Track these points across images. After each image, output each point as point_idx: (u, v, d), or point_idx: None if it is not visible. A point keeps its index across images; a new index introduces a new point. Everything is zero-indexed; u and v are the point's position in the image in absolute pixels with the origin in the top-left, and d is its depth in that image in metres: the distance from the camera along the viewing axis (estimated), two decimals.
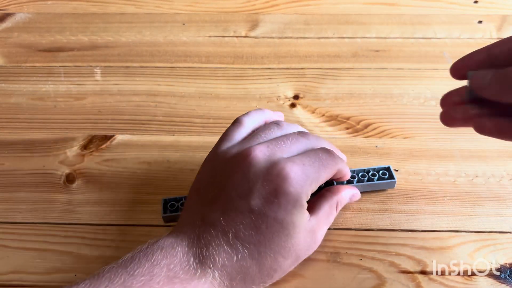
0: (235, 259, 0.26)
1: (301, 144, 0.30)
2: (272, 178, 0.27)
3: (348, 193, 0.32)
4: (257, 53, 0.46)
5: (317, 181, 0.28)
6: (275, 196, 0.26)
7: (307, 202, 0.28)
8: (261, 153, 0.28)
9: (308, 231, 0.28)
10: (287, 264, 0.28)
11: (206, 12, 0.50)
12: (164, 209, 0.33)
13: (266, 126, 0.32)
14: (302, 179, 0.27)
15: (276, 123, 0.32)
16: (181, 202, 0.33)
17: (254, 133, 0.31)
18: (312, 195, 0.29)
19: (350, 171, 0.33)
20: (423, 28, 0.48)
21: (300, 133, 0.31)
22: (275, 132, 0.31)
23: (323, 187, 0.32)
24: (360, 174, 0.34)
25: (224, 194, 0.28)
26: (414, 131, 0.39)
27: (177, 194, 0.34)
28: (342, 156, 0.33)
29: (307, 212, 0.28)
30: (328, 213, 0.30)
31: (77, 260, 0.32)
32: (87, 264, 0.32)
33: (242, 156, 0.28)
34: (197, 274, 0.25)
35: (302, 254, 0.28)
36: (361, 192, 0.33)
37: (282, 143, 0.29)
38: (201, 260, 0.26)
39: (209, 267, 0.26)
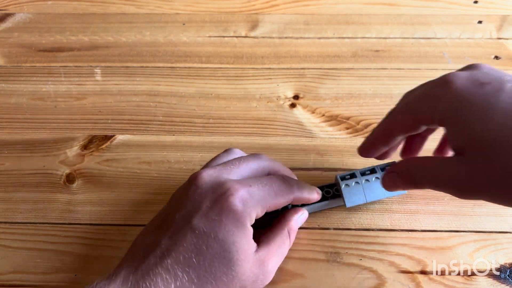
0: (172, 285, 0.25)
1: (252, 165, 0.30)
2: (216, 198, 0.26)
3: (297, 219, 0.31)
4: (257, 53, 0.46)
5: (264, 205, 0.28)
6: (217, 214, 0.26)
7: (257, 231, 0.28)
8: (207, 175, 0.28)
9: (255, 260, 0.27)
10: None
11: (206, 12, 0.50)
12: None
13: (225, 151, 0.32)
14: (247, 199, 0.27)
15: (235, 152, 0.32)
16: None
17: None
18: (263, 225, 0.29)
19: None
20: (423, 28, 0.48)
21: (253, 155, 0.31)
22: (230, 157, 0.31)
23: (279, 212, 0.31)
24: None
25: (168, 219, 0.27)
26: None
27: None
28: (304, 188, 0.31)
29: (252, 240, 0.27)
30: (279, 243, 0.29)
31: (77, 260, 0.32)
32: (87, 264, 0.32)
33: (189, 180, 0.28)
34: None
35: (249, 286, 0.27)
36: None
37: (231, 165, 0.29)
38: None
39: None
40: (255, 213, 0.27)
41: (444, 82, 0.25)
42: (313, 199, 0.31)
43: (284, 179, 0.29)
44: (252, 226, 0.28)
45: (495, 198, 0.24)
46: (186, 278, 0.25)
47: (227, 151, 0.32)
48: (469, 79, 0.24)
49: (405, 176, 0.28)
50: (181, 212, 0.27)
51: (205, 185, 0.28)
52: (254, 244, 0.27)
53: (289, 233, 0.30)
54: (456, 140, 0.24)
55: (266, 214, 0.29)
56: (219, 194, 0.27)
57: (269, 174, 0.31)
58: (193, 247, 0.25)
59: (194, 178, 0.28)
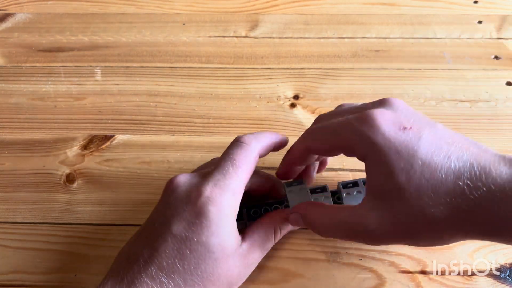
0: None
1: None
2: (192, 200, 0.26)
3: (290, 219, 0.30)
4: (257, 53, 0.46)
5: (239, 192, 0.27)
6: (196, 217, 0.26)
7: (243, 227, 0.28)
8: (182, 178, 0.28)
9: (239, 254, 0.27)
10: None
11: (206, 12, 0.50)
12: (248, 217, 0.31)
13: (209, 161, 0.32)
14: (223, 196, 0.26)
15: None
16: (263, 208, 0.31)
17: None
18: (253, 219, 0.29)
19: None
20: (423, 28, 0.48)
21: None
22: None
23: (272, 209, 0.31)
24: None
25: (148, 227, 0.27)
26: None
27: None
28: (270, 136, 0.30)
29: (236, 235, 0.27)
30: (263, 238, 0.29)
31: (77, 260, 0.32)
32: (87, 264, 0.32)
33: (165, 186, 0.28)
34: None
35: (235, 282, 0.27)
36: None
37: (208, 168, 0.29)
38: None
39: None
40: (234, 202, 0.27)
41: (369, 119, 0.25)
42: (282, 144, 0.31)
43: (238, 146, 0.28)
44: (242, 219, 0.28)
45: (405, 243, 0.26)
46: (172, 284, 0.25)
47: (211, 161, 0.33)
48: (393, 121, 0.25)
49: (308, 224, 0.28)
50: (160, 218, 0.27)
51: (180, 188, 0.27)
52: (238, 238, 0.27)
53: (275, 231, 0.30)
54: (375, 181, 0.25)
55: (260, 212, 0.30)
56: (195, 196, 0.26)
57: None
58: (176, 252, 0.25)
59: (170, 183, 0.28)
